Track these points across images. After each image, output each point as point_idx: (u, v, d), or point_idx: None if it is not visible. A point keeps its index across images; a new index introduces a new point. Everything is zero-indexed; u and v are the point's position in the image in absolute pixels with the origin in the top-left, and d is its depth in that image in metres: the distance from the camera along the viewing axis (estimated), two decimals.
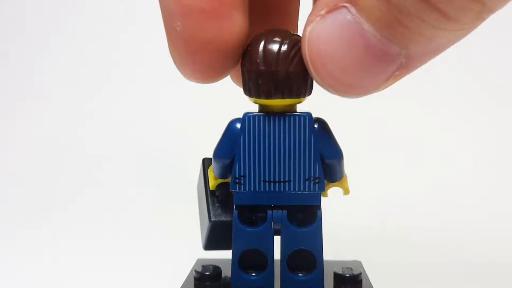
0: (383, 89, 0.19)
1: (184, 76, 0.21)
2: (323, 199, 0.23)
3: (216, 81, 0.21)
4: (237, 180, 0.22)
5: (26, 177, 0.49)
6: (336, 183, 0.23)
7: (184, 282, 0.23)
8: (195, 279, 0.23)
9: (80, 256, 0.34)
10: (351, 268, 0.23)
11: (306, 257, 0.22)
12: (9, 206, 0.45)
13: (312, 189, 0.21)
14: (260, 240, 0.22)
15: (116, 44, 0.55)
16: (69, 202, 0.44)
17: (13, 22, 0.56)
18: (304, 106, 0.23)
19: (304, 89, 0.21)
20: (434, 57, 0.18)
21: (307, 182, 0.21)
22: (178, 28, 0.19)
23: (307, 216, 0.22)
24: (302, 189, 0.21)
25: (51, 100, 0.55)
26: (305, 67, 0.20)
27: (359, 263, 0.26)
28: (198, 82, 0.21)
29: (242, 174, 0.21)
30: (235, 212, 0.22)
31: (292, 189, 0.21)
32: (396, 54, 0.17)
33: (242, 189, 0.22)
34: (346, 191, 0.23)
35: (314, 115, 0.23)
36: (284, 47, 0.20)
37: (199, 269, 0.23)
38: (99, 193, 0.46)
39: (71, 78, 0.55)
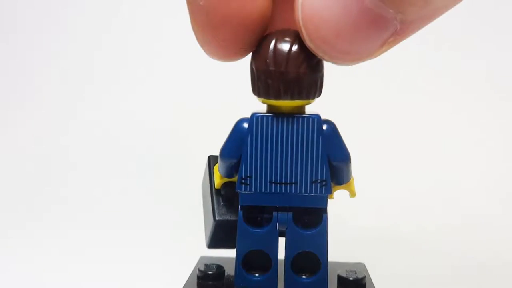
0: (376, 56, 0.18)
1: (207, 54, 0.20)
2: (328, 201, 0.23)
3: (238, 58, 0.21)
4: (243, 181, 0.21)
5: (26, 177, 0.48)
6: (342, 185, 0.23)
7: (187, 281, 0.23)
8: (198, 278, 0.23)
9: (83, 256, 0.34)
10: (355, 271, 0.23)
11: (310, 259, 0.22)
12: (8, 204, 0.45)
13: (318, 192, 0.21)
14: (265, 241, 0.22)
15: (116, 40, 0.55)
16: (70, 199, 0.44)
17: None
18: (312, 107, 0.23)
19: (314, 91, 0.20)
20: (428, 23, 0.18)
21: (313, 184, 0.21)
22: (201, 3, 0.19)
23: (313, 218, 0.22)
24: (308, 191, 0.21)
25: (47, 95, 0.55)
26: (316, 68, 0.20)
27: (362, 266, 0.26)
28: (221, 59, 0.21)
29: (248, 174, 0.21)
30: (240, 212, 0.22)
31: (298, 191, 0.21)
32: (391, 19, 0.16)
33: (248, 190, 0.21)
34: (353, 194, 0.23)
35: (322, 117, 0.23)
36: (294, 48, 0.20)
37: (202, 268, 0.23)
38: (102, 191, 0.45)
39: (70, 75, 0.55)
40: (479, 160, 0.45)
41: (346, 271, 0.23)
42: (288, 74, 0.20)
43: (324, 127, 0.21)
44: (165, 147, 0.48)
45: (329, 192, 0.21)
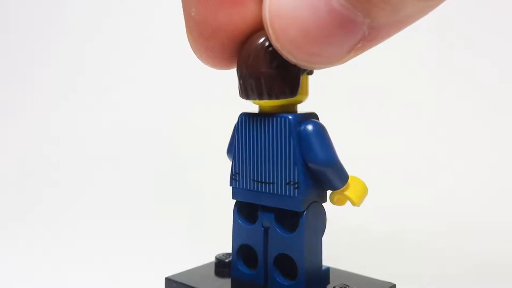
0: (344, 62, 0.18)
1: (201, 61, 0.22)
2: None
3: (230, 67, 0.22)
4: (233, 177, 0.22)
5: (26, 177, 0.50)
6: (338, 191, 0.21)
7: (205, 264, 0.25)
8: (215, 264, 0.25)
9: (88, 257, 0.35)
10: (348, 286, 0.21)
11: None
12: (7, 203, 0.45)
13: (291, 194, 0.20)
14: (252, 238, 0.22)
15: (110, 42, 0.55)
16: (70, 203, 0.45)
17: None
18: (307, 107, 0.22)
19: (282, 90, 0.20)
20: (399, 30, 0.17)
21: (287, 186, 0.21)
22: (192, 14, 0.20)
23: (293, 221, 0.21)
24: (283, 193, 0.21)
25: (51, 93, 0.56)
26: (282, 67, 0.20)
27: (390, 286, 0.23)
28: (213, 67, 0.22)
29: (236, 171, 0.22)
30: (235, 207, 0.23)
31: (275, 191, 0.21)
32: (359, 23, 0.16)
33: (236, 186, 0.22)
34: (352, 202, 0.21)
35: (319, 117, 0.22)
36: (260, 48, 0.20)
37: (219, 256, 0.25)
38: (106, 194, 0.46)
39: (79, 74, 0.56)
40: (480, 161, 0.45)
41: (341, 285, 0.21)
42: (252, 74, 0.20)
43: (303, 127, 0.20)
44: (165, 148, 0.48)
45: (302, 195, 0.20)
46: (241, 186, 0.22)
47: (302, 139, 0.20)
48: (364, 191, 0.21)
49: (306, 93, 0.22)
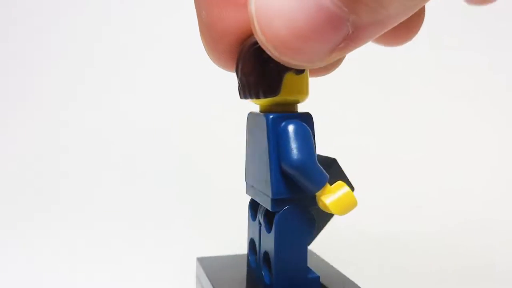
0: (326, 62, 0.18)
1: (214, 63, 0.23)
2: None
3: None
4: (246, 173, 0.24)
5: (29, 178, 0.48)
6: (318, 195, 0.20)
7: (239, 254, 0.27)
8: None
9: (99, 256, 0.35)
10: None
11: None
12: (8, 204, 0.44)
13: (266, 192, 0.21)
14: (254, 232, 0.23)
15: (114, 43, 0.53)
16: (77, 200, 0.44)
17: None
18: (306, 106, 0.21)
19: (258, 89, 0.20)
20: (382, 31, 0.17)
21: (265, 184, 0.21)
22: (203, 17, 0.21)
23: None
24: (264, 191, 0.21)
25: (48, 100, 0.54)
26: (257, 67, 0.20)
27: None
28: (224, 68, 0.22)
29: (246, 168, 0.23)
30: (249, 202, 0.24)
31: (260, 189, 0.22)
32: (344, 19, 0.16)
33: (247, 181, 0.24)
34: (328, 210, 0.20)
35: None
36: (245, 49, 0.21)
37: None
38: (103, 194, 0.45)
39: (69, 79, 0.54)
40: (485, 159, 0.45)
41: None
42: (239, 74, 0.21)
43: (283, 127, 0.20)
44: (182, 145, 0.47)
45: (273, 195, 0.20)
46: (249, 182, 0.23)
47: (279, 139, 0.20)
48: (346, 200, 0.20)
49: (306, 93, 0.21)
